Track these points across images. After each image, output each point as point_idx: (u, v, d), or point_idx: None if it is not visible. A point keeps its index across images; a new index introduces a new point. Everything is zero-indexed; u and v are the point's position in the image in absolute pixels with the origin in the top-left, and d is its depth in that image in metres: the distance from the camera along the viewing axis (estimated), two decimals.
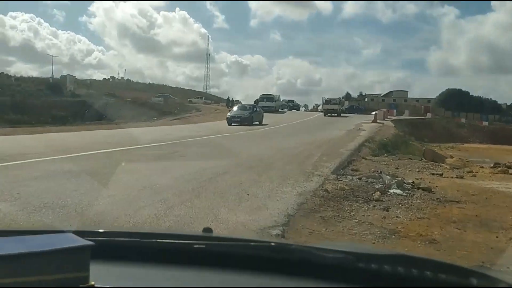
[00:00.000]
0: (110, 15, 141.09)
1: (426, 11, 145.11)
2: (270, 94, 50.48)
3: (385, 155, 13.48)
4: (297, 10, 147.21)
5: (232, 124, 25.26)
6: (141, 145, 12.38)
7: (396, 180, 7.59)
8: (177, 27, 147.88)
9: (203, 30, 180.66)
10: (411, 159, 13.08)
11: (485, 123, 61.68)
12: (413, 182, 7.87)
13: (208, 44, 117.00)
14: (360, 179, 7.91)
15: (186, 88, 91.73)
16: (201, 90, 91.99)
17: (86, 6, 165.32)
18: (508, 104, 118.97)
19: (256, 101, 50.66)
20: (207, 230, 1.44)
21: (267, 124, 26.61)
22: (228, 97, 60.20)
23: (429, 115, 55.82)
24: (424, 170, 10.76)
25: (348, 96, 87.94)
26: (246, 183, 6.91)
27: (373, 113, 31.81)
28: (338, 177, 8.17)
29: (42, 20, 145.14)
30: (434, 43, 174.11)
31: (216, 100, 72.69)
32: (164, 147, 12.24)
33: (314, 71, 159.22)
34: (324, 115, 40.08)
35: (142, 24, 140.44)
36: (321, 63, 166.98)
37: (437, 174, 10.11)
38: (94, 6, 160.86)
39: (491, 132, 56.10)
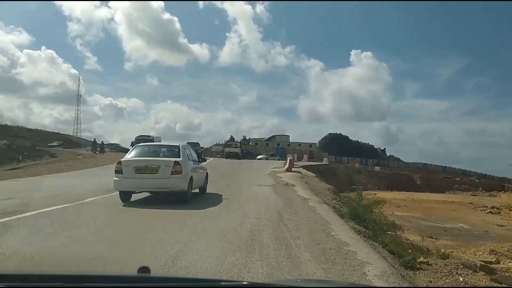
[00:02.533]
0: None
1: (295, 64, 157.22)
2: (148, 135, 40.50)
3: None
4: (174, 55, 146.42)
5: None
6: None
7: None
8: (43, 66, 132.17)
9: (74, 71, 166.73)
10: None
11: (378, 168, 60.81)
12: None
13: (79, 85, 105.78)
14: None
15: (52, 131, 78.82)
16: (71, 134, 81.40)
17: None
18: (382, 148, 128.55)
19: (132, 144, 41.20)
20: (144, 269, 1.34)
21: None
22: (95, 139, 48.61)
23: (325, 160, 52.29)
24: None
25: (232, 140, 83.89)
26: None
27: (288, 158, 25.06)
28: None
29: None
30: (304, 92, 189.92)
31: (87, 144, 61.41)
32: None
33: (193, 116, 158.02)
34: (226, 158, 36.43)
35: (3, 62, 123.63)
36: (200, 107, 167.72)
37: None
38: None
39: (386, 177, 54.85)
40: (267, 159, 52.74)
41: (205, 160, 15.33)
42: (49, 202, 8.98)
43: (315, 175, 23.62)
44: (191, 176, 10.00)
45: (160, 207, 8.73)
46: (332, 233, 6.17)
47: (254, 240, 5.55)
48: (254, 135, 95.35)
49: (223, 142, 70.83)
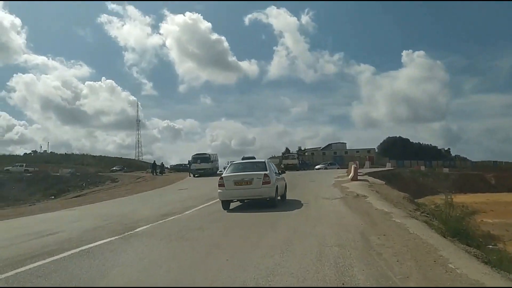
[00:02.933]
0: (31, 89, 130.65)
1: (345, 70, 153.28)
2: (205, 154, 40.38)
3: None
4: (224, 74, 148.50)
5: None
6: None
7: None
8: (104, 96, 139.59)
9: (132, 98, 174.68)
10: None
11: (446, 170, 56.36)
12: None
13: (138, 111, 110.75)
14: None
15: (116, 156, 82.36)
16: (133, 158, 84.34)
17: (4, 81, 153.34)
18: (446, 149, 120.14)
19: (189, 163, 41.22)
20: None
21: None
22: (154, 161, 49.66)
23: (388, 165, 49.16)
24: None
25: (287, 152, 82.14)
26: None
27: (352, 166, 23.11)
28: None
29: None
30: (356, 98, 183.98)
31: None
32: None
33: (247, 131, 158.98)
34: (284, 170, 32.46)
35: (67, 95, 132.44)
36: (252, 123, 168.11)
37: None
38: (13, 81, 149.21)
39: (456, 179, 50.58)
40: (325, 168, 50.68)
41: (284, 172, 16.11)
42: (97, 234, 8.01)
43: (383, 182, 21.49)
44: (276, 186, 12.31)
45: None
46: (450, 265, 4.49)
47: (346, 283, 4.03)
48: (309, 145, 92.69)
49: (280, 155, 69.37)
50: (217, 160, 44.65)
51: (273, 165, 14.03)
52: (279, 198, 12.84)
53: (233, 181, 11.89)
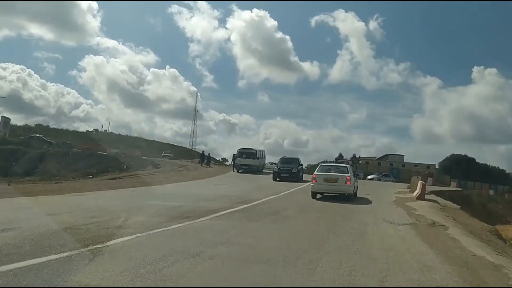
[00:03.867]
0: (100, 70, 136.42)
1: (409, 81, 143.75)
2: (251, 149, 37.45)
3: None
4: (285, 73, 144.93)
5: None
6: None
7: None
8: (166, 84, 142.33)
9: (193, 88, 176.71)
10: None
11: None
12: None
13: (196, 101, 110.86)
14: None
15: (170, 143, 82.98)
16: (187, 146, 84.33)
17: (76, 61, 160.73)
18: None
19: (234, 157, 38.85)
20: None
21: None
22: (203, 151, 47.84)
23: (453, 184, 43.92)
24: None
25: (340, 158, 77.71)
26: None
27: (420, 182, 19.30)
28: None
29: (32, 72, 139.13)
30: (418, 111, 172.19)
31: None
32: None
33: (301, 133, 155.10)
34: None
35: (132, 80, 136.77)
36: (308, 125, 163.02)
37: None
38: (85, 61, 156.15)
39: None
40: (379, 179, 46.31)
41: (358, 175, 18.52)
42: (54, 242, 5.48)
43: (458, 206, 17.65)
44: (354, 185, 16.25)
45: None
46: None
47: None
48: (364, 154, 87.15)
49: (333, 160, 65.40)
50: (264, 157, 41.84)
51: (351, 168, 17.78)
52: (355, 192, 16.56)
53: (323, 178, 15.79)
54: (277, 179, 26.69)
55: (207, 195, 15.14)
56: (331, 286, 4.56)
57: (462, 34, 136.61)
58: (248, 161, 35.57)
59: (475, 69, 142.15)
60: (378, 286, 4.64)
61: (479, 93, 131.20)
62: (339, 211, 12.13)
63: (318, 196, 16.04)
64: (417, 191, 18.66)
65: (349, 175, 15.69)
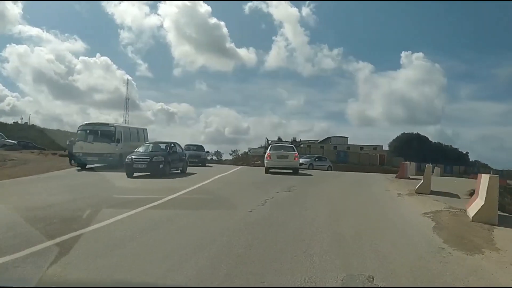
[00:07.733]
0: (24, 60, 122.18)
1: (343, 66, 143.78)
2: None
3: None
4: (221, 60, 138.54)
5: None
6: None
7: None
8: (98, 73, 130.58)
9: (127, 77, 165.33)
10: None
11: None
12: None
13: (127, 88, 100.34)
14: None
15: None
16: None
17: None
18: (464, 152, 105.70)
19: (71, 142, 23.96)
20: None
21: None
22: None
23: (437, 170, 35.42)
24: None
25: (279, 141, 69.74)
26: None
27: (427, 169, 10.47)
28: None
29: None
30: (352, 95, 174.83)
31: None
32: None
33: (242, 120, 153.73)
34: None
35: (60, 70, 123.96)
36: (248, 112, 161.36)
37: None
38: (7, 51, 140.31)
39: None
40: (311, 164, 34.49)
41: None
42: None
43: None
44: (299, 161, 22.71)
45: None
46: None
47: None
48: (304, 138, 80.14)
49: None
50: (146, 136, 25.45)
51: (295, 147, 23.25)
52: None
53: (276, 156, 19.93)
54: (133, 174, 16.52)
55: None
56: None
57: (390, 18, 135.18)
58: (96, 148, 20.09)
59: (403, 54, 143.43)
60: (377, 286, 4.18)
61: (408, 77, 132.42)
62: None
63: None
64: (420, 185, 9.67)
65: (296, 152, 20.62)
